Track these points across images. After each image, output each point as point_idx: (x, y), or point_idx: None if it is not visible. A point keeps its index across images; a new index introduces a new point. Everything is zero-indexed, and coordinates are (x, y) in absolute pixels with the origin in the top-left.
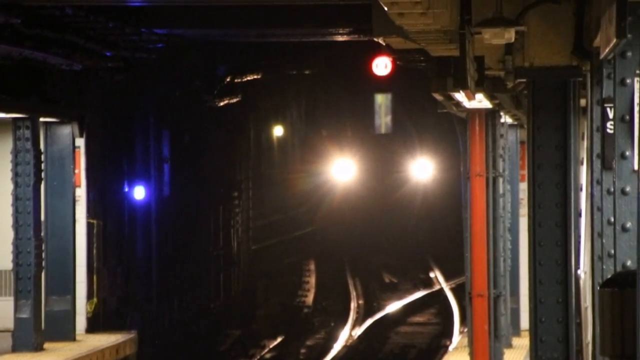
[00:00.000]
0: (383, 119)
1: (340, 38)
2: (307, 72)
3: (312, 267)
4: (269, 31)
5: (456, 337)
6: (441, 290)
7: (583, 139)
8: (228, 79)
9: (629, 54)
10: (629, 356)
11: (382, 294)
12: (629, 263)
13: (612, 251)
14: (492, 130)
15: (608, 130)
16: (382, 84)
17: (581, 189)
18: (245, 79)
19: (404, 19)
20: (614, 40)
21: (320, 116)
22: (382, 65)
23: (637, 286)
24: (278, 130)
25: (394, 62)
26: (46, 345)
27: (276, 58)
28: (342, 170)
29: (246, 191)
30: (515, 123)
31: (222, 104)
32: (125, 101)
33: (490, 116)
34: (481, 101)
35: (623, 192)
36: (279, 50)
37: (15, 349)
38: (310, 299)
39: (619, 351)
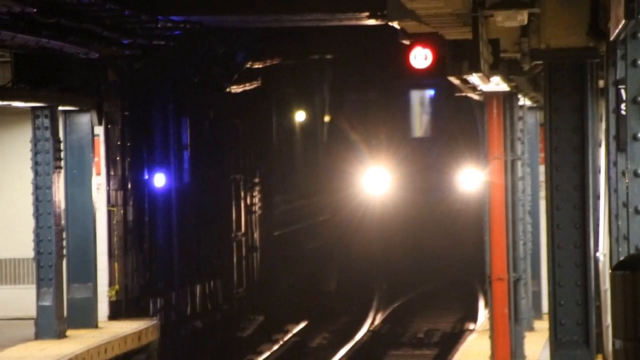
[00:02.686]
0: (420, 120)
1: (357, 22)
2: (328, 56)
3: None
4: (286, 16)
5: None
6: None
7: (602, 120)
8: (247, 65)
9: None
10: None
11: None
12: None
13: (627, 233)
14: (510, 113)
15: (622, 112)
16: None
17: (599, 171)
18: (265, 65)
19: (415, 2)
20: (623, 21)
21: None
22: (421, 57)
23: None
24: (300, 116)
25: (434, 53)
26: (69, 332)
27: (296, 43)
28: (372, 181)
29: (267, 177)
30: (535, 105)
31: (241, 90)
32: (144, 89)
33: (507, 99)
34: (498, 84)
35: (635, 174)
36: (300, 35)
37: (39, 336)
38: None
39: (631, 334)
